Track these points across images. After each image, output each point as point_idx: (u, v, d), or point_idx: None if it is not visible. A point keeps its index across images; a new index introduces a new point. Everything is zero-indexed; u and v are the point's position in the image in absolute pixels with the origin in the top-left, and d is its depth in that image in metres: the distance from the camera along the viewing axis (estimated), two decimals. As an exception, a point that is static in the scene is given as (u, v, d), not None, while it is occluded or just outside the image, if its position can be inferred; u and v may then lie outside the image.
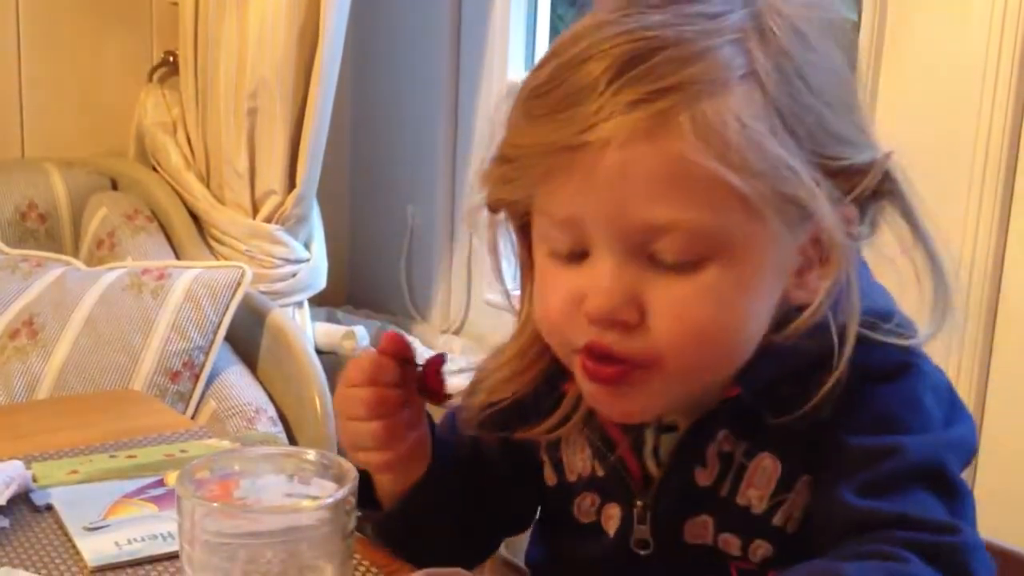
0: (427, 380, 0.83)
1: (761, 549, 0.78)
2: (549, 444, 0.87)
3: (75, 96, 2.49)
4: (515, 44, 2.39)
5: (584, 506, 0.86)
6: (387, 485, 0.88)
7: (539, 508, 0.93)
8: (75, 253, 2.30)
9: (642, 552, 0.82)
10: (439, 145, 2.53)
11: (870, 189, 0.73)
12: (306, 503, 0.77)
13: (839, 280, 0.72)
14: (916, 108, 1.58)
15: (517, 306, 0.83)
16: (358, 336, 2.26)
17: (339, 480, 0.77)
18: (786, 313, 0.74)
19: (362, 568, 0.91)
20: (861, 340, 0.73)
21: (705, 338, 0.71)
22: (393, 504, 0.88)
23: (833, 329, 0.72)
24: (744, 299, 0.71)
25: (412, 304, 2.63)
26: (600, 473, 0.84)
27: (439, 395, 0.83)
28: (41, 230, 2.33)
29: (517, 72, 2.39)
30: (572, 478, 0.87)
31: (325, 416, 2.04)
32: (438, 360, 0.83)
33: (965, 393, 1.49)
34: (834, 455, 0.73)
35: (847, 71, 0.75)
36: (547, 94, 0.70)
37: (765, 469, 0.77)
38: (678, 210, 0.68)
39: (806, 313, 0.72)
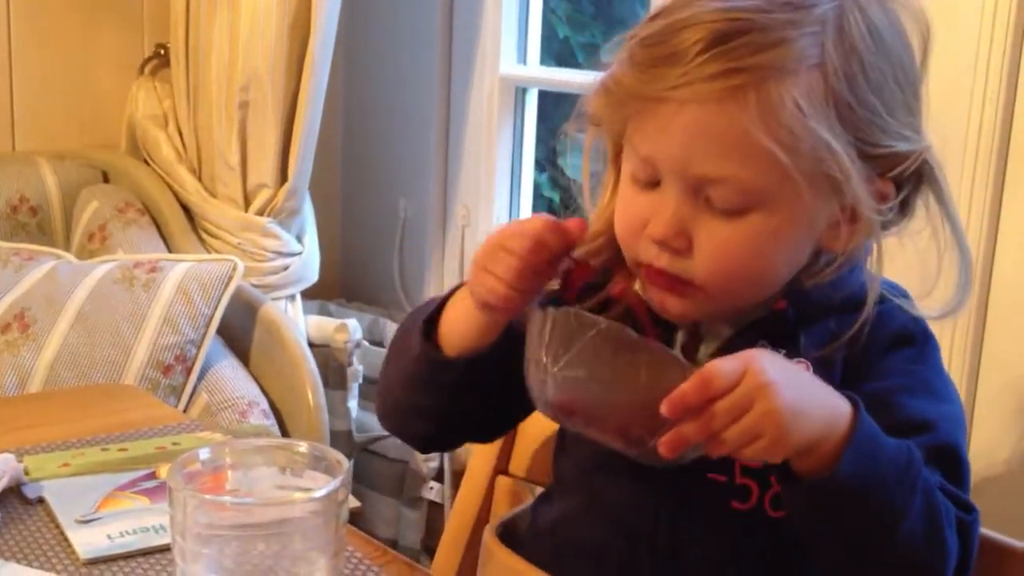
0: (566, 283, 0.87)
1: None
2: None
3: (66, 89, 2.48)
4: (507, 37, 2.39)
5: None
6: (471, 331, 0.89)
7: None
8: (66, 246, 2.30)
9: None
10: (431, 138, 2.53)
11: (908, 171, 0.84)
12: (298, 495, 0.77)
13: (862, 243, 0.85)
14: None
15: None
16: (350, 329, 2.26)
17: (331, 472, 0.77)
18: (819, 256, 0.87)
19: (354, 560, 0.92)
20: (887, 301, 0.86)
21: (737, 274, 0.84)
22: (461, 353, 0.90)
23: (866, 279, 0.86)
24: (774, 248, 0.84)
25: (404, 297, 2.64)
26: None
27: (566, 299, 0.87)
28: (32, 223, 2.32)
29: (509, 66, 2.39)
30: None
31: (318, 408, 2.04)
32: (586, 272, 0.88)
33: (957, 386, 1.49)
34: (865, 400, 0.81)
35: (913, 71, 0.86)
36: (650, 47, 0.82)
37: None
38: (731, 169, 0.81)
39: (835, 264, 0.86)
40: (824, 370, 0.86)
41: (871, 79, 0.82)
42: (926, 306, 0.88)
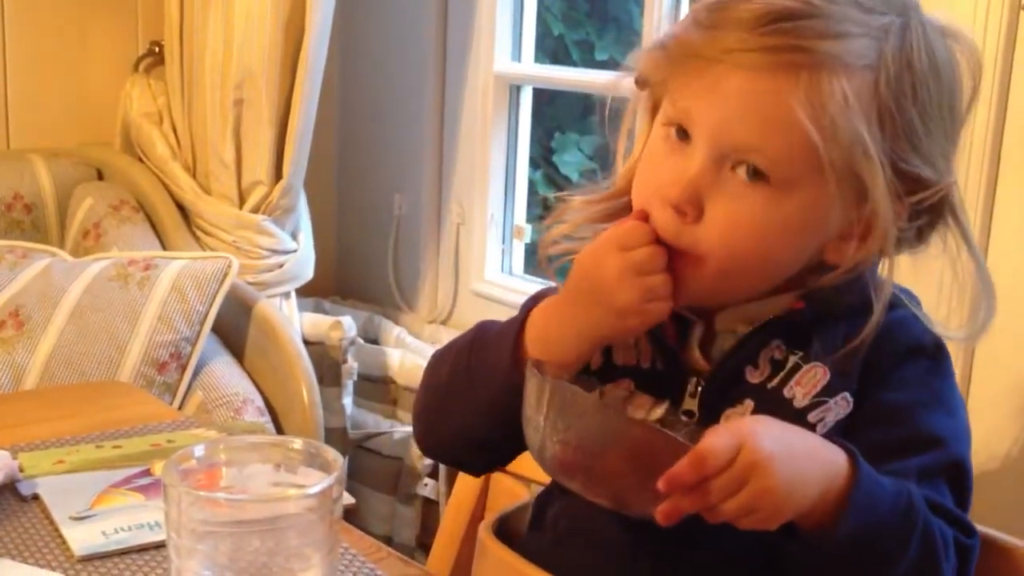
0: None
1: None
2: None
3: (60, 86, 2.48)
4: (502, 35, 2.39)
5: (618, 391, 0.92)
6: (583, 349, 0.89)
7: None
8: (61, 244, 2.30)
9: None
10: (426, 135, 2.53)
11: (927, 203, 0.85)
12: (292, 492, 0.77)
13: (871, 257, 0.86)
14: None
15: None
16: (345, 326, 2.27)
17: (325, 469, 0.77)
18: (821, 264, 0.88)
19: (348, 556, 0.92)
20: (902, 307, 0.88)
21: (740, 251, 0.84)
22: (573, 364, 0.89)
23: (871, 287, 0.86)
24: (782, 235, 0.85)
25: (399, 294, 2.64)
26: (645, 364, 0.93)
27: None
28: (27, 221, 2.32)
29: (504, 63, 2.39)
30: (619, 361, 0.94)
31: (312, 406, 2.04)
32: None
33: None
34: (880, 409, 0.86)
35: (959, 108, 0.87)
36: (715, 11, 0.84)
37: (815, 375, 0.88)
38: (766, 140, 0.82)
39: (837, 271, 0.86)
40: (841, 377, 0.87)
41: (918, 97, 0.83)
42: (944, 326, 0.90)
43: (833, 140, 0.80)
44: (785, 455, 0.76)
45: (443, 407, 0.96)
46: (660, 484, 0.75)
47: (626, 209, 0.91)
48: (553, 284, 0.96)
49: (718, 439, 0.75)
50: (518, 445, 0.90)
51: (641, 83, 0.92)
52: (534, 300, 0.94)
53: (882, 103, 0.82)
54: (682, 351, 0.92)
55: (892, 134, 0.82)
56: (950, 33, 0.87)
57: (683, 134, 0.86)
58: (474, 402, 0.93)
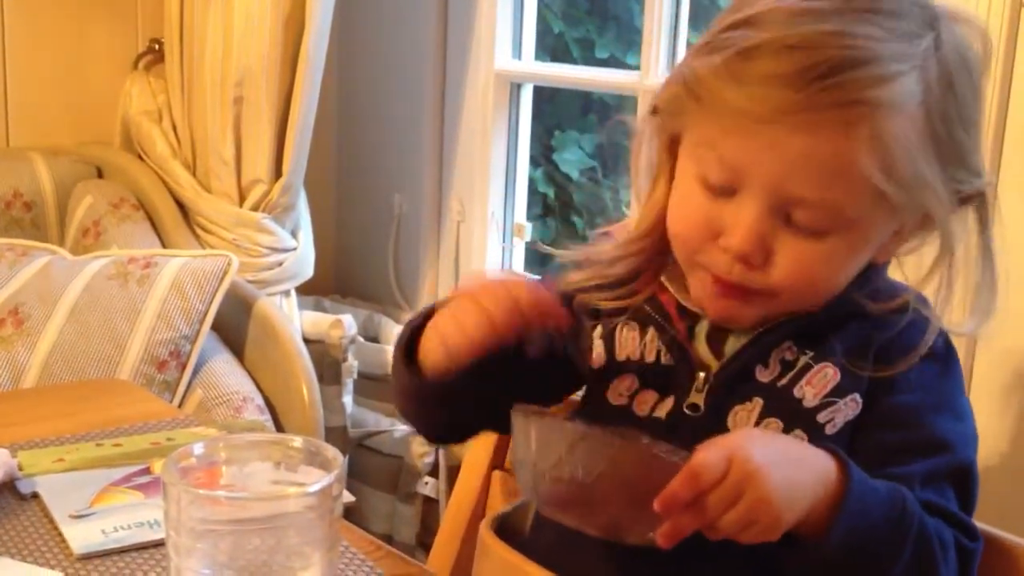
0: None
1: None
2: (606, 322, 0.95)
3: (60, 84, 2.48)
4: (502, 32, 2.39)
5: (621, 388, 0.94)
6: (440, 360, 0.88)
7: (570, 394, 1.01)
8: (60, 242, 2.29)
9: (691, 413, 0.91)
10: (425, 134, 2.52)
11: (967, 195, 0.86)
12: (292, 490, 0.77)
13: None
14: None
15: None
16: (345, 325, 2.26)
17: (325, 467, 0.77)
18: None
19: (348, 555, 0.92)
20: (913, 308, 0.87)
21: (814, 287, 0.86)
22: (439, 377, 0.89)
23: (892, 284, 0.89)
24: (851, 261, 0.86)
25: (399, 293, 2.64)
26: (650, 359, 0.92)
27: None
28: (26, 219, 2.32)
29: (504, 61, 2.39)
30: (621, 357, 0.94)
31: (312, 404, 2.04)
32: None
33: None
34: (889, 412, 0.86)
35: (982, 107, 0.87)
36: (751, 59, 0.80)
37: (826, 375, 0.88)
38: (831, 194, 0.81)
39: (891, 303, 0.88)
40: (851, 378, 0.87)
41: (963, 116, 0.84)
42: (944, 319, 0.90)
43: (900, 184, 0.81)
44: (776, 464, 0.76)
45: (401, 407, 0.99)
46: (656, 504, 0.75)
47: (655, 247, 0.92)
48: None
49: (709, 454, 0.75)
50: (487, 415, 0.94)
51: (657, 112, 0.90)
52: None
53: (935, 134, 0.82)
54: (691, 345, 0.92)
55: (947, 160, 0.83)
56: (962, 19, 0.86)
57: (726, 191, 0.84)
58: (395, 380, 0.95)
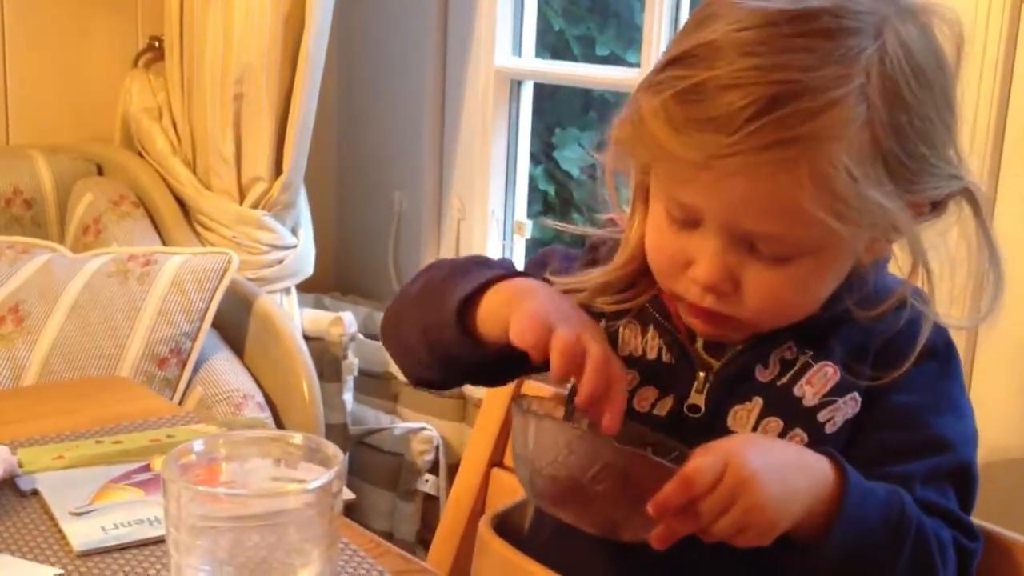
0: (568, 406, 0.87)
1: (797, 438, 0.86)
2: (609, 325, 0.95)
3: (60, 82, 2.48)
4: (502, 29, 2.38)
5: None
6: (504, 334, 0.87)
7: None
8: (61, 239, 2.29)
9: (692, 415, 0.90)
10: (426, 131, 2.52)
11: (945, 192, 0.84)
12: (292, 487, 0.77)
13: (889, 250, 0.87)
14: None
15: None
16: (345, 322, 2.26)
17: (325, 464, 0.77)
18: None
19: (348, 552, 0.92)
20: (912, 307, 0.86)
21: (787, 310, 0.86)
22: (495, 343, 0.89)
23: (892, 283, 0.88)
24: (821, 282, 0.85)
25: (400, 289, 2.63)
26: (651, 356, 0.92)
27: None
28: (26, 216, 2.32)
29: (504, 58, 2.39)
30: (623, 354, 0.94)
31: (312, 401, 2.04)
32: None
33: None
34: (890, 410, 0.86)
35: (951, 89, 0.83)
36: (689, 105, 0.78)
37: (826, 373, 0.88)
38: (782, 228, 0.80)
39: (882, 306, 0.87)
40: (851, 377, 0.87)
41: (917, 127, 0.79)
42: (944, 313, 0.89)
43: (847, 216, 0.78)
44: (771, 469, 0.76)
45: (399, 319, 1.01)
46: (650, 508, 0.75)
47: (635, 274, 0.92)
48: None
49: (704, 460, 0.76)
50: (451, 383, 0.98)
51: (622, 147, 0.88)
52: (537, 264, 0.98)
53: (887, 153, 0.78)
54: (691, 345, 0.92)
55: (905, 177, 0.80)
56: (920, 11, 0.82)
57: (690, 223, 0.84)
58: (421, 319, 0.96)
